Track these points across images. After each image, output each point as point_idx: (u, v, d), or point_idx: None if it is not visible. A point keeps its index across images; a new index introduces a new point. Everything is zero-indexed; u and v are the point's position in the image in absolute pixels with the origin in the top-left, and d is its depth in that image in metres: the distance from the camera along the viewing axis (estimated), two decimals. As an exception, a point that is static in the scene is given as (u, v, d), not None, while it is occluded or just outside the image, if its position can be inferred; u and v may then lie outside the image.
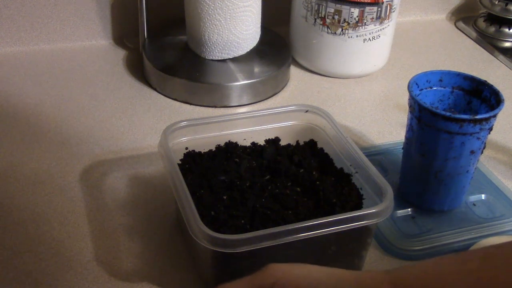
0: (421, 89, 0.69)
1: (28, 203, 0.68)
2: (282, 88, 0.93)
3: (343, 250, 0.61)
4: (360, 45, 0.92)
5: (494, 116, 0.63)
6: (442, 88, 0.70)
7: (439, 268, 0.47)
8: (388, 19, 0.91)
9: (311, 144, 0.71)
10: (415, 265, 0.49)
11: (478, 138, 0.64)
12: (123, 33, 1.01)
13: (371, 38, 0.92)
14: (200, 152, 0.68)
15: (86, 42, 1.00)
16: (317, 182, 0.64)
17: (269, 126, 0.72)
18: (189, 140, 0.68)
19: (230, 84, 0.86)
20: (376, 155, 0.78)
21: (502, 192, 0.73)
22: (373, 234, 0.63)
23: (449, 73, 0.69)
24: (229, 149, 0.68)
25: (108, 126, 0.82)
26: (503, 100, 0.65)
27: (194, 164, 0.66)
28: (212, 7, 0.84)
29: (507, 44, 1.11)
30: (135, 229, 0.66)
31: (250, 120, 0.71)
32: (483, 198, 0.72)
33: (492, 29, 1.13)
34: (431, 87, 0.69)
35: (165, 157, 0.63)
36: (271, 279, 0.46)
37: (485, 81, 0.68)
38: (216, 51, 0.88)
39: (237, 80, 0.87)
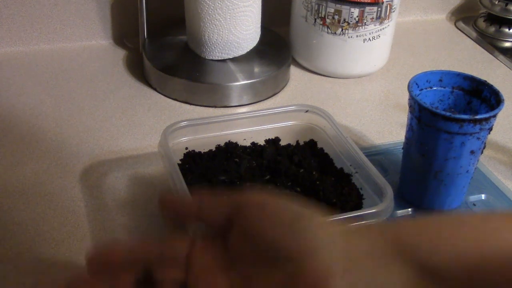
0: (421, 89, 0.68)
1: (28, 203, 0.68)
2: (282, 88, 0.93)
3: (343, 250, 0.61)
4: (360, 45, 0.92)
5: (494, 116, 0.63)
6: (442, 88, 0.69)
7: (447, 221, 0.44)
8: (388, 19, 0.91)
9: (311, 144, 0.71)
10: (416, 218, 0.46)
11: (478, 138, 0.64)
12: (123, 33, 1.01)
13: (371, 38, 0.92)
14: (200, 152, 0.68)
15: (86, 42, 1.00)
16: (317, 182, 0.64)
17: (269, 126, 0.72)
18: (189, 140, 0.68)
19: (230, 84, 0.86)
20: (376, 155, 0.78)
21: (502, 192, 0.73)
22: (373, 234, 0.63)
23: (449, 73, 0.69)
24: (229, 149, 0.68)
25: (108, 126, 0.82)
26: (503, 100, 0.65)
27: (194, 164, 0.66)
28: (212, 7, 0.84)
29: (507, 44, 1.11)
30: (135, 229, 0.66)
31: (250, 120, 0.71)
32: (483, 198, 0.72)
33: (492, 29, 1.13)
34: (431, 87, 0.69)
35: (165, 157, 0.63)
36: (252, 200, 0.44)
37: (485, 81, 0.68)
38: (216, 51, 0.88)
39: (237, 80, 0.87)
